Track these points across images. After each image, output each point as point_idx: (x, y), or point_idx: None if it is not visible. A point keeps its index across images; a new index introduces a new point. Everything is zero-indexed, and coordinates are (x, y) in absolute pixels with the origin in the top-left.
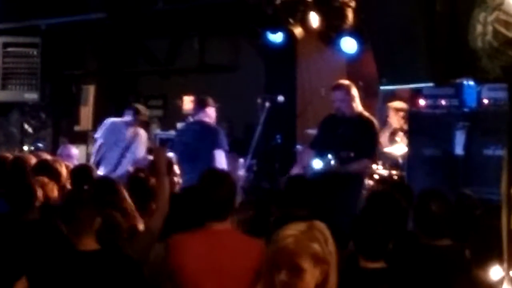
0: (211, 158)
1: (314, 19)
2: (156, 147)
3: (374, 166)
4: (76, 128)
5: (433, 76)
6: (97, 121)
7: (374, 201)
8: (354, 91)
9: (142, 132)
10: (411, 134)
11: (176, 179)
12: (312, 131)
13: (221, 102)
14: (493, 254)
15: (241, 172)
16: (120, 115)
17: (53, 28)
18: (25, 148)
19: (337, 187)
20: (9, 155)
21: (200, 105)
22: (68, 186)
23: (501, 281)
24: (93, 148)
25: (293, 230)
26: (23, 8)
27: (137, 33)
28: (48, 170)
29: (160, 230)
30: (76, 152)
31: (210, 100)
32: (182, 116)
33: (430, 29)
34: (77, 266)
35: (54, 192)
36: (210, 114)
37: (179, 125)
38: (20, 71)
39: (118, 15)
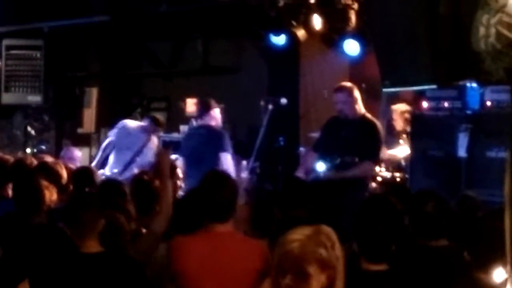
0: (216, 161)
1: (317, 21)
2: (160, 150)
3: (377, 169)
4: (79, 130)
5: (436, 78)
6: (100, 123)
7: (370, 204)
8: (357, 93)
9: (155, 140)
10: (414, 136)
11: (178, 182)
12: (316, 135)
13: (224, 104)
14: (496, 256)
15: (244, 174)
16: (123, 117)
17: (56, 31)
18: (28, 150)
19: (340, 190)
20: (10, 158)
21: (204, 108)
22: (70, 188)
23: (504, 284)
24: (102, 146)
25: (299, 235)
26: (26, 11)
27: (140, 35)
28: (48, 172)
29: (163, 232)
30: (79, 155)
31: (213, 102)
32: (186, 119)
33: (433, 31)
34: (80, 269)
35: (54, 195)
36: (215, 115)
37: (183, 127)
38: (23, 74)
39: (121, 17)
